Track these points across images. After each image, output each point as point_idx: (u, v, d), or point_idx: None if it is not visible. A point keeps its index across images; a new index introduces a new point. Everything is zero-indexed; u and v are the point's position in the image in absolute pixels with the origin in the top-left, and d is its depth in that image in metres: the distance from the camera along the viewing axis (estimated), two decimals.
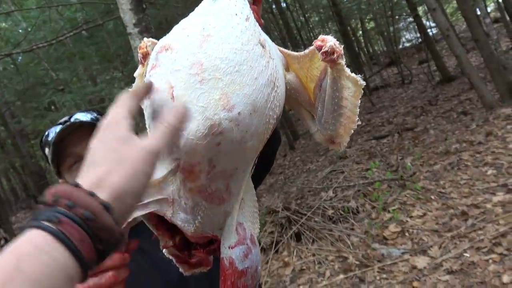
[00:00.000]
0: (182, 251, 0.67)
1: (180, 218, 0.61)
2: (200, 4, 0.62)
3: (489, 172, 4.13)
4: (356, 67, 12.89)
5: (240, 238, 0.62)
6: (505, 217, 3.22)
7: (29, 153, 11.35)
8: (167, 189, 0.61)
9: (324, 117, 0.63)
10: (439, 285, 2.79)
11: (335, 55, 0.56)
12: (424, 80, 11.14)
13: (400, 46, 15.42)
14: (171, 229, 0.65)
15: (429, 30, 12.50)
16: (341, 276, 3.31)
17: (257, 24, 0.62)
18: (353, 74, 0.59)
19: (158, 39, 0.65)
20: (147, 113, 0.60)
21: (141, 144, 0.48)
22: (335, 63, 0.57)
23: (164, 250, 0.68)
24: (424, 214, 3.83)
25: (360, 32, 14.56)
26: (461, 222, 3.46)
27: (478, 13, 6.94)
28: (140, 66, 0.68)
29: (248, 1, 0.62)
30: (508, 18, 9.15)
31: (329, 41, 0.57)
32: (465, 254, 2.99)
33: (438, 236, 3.39)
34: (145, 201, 0.61)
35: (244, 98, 0.54)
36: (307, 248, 3.90)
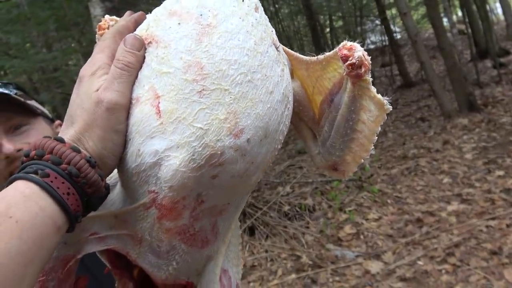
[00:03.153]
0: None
1: (148, 261, 0.46)
2: None
3: (445, 180, 4.18)
4: None
5: None
6: (459, 227, 3.25)
7: None
8: (134, 224, 0.45)
9: (331, 140, 0.49)
10: None
11: (363, 70, 0.43)
12: (385, 83, 11.32)
13: (365, 47, 15.60)
14: (129, 263, 0.49)
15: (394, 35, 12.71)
16: (293, 275, 3.23)
17: (267, 17, 0.46)
18: (379, 95, 0.46)
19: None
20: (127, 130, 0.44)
21: (103, 101, 0.43)
22: (360, 79, 0.44)
23: None
24: (380, 218, 3.82)
25: (328, 29, 14.59)
26: (415, 229, 3.46)
27: (446, 23, 7.05)
28: None
29: None
30: (470, 31, 9.41)
31: (358, 50, 0.43)
32: (419, 262, 2.98)
33: (393, 241, 3.37)
34: (103, 234, 0.46)
35: (256, 120, 0.40)
36: (260, 244, 3.79)
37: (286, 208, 4.26)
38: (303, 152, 7.01)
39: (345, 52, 0.43)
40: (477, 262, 2.75)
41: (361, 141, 0.48)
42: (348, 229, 3.73)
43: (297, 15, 14.32)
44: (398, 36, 15.67)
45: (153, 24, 0.44)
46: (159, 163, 0.39)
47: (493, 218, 3.22)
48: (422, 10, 13.72)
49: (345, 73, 0.44)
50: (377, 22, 13.14)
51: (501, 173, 3.95)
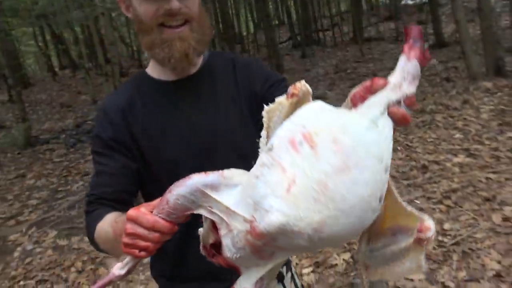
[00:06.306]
0: (211, 248, 0.73)
1: (226, 243, 0.66)
2: (362, 114, 0.58)
3: (457, 135, 4.31)
4: (355, 14, 12.65)
5: None
6: (460, 176, 3.43)
7: (5, 30, 10.81)
8: (233, 220, 0.64)
9: (379, 252, 0.68)
10: None
11: (425, 243, 0.62)
12: None
13: (403, 2, 15.12)
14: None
15: None
16: None
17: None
18: (423, 260, 0.64)
19: None
20: (256, 171, 0.61)
21: None
22: (421, 245, 0.63)
23: (201, 236, 0.74)
24: None
25: None
26: (419, 174, 3.66)
27: None
28: (284, 97, 0.64)
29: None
30: None
31: (431, 231, 0.61)
32: (416, 201, 3.20)
33: (395, 182, 3.59)
34: (213, 210, 0.66)
35: (336, 231, 0.57)
36: None
37: None
38: (324, 98, 7.14)
39: (422, 236, 0.62)
40: (469, 206, 2.96)
41: (396, 269, 0.67)
42: None
43: None
44: None
45: (320, 132, 0.57)
46: (267, 210, 0.57)
47: (494, 172, 3.39)
48: None
49: (414, 239, 0.63)
50: None
51: None
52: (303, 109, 0.61)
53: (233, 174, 0.67)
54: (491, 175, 3.35)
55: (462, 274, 2.30)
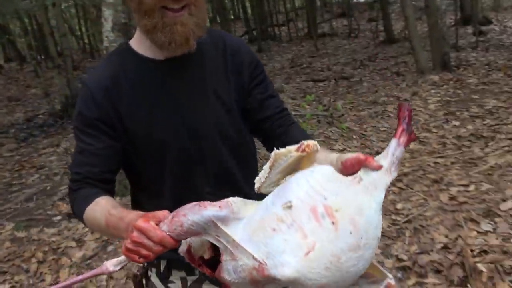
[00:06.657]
0: (198, 260, 0.80)
1: (227, 267, 0.73)
2: (368, 192, 0.68)
3: None
4: (309, 10, 12.93)
5: None
6: (411, 162, 3.67)
7: None
8: (240, 253, 0.70)
9: None
10: None
11: None
12: (369, 37, 11.53)
13: (355, 0, 15.63)
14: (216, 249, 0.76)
15: None
16: None
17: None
18: None
19: None
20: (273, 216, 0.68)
21: None
22: None
23: (183, 246, 0.80)
24: (344, 149, 4.20)
25: None
26: None
27: None
28: (295, 148, 0.70)
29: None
30: None
31: None
32: None
33: None
34: (220, 239, 0.72)
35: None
36: None
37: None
38: (281, 91, 7.30)
39: None
40: (420, 187, 3.19)
41: None
42: None
43: None
44: None
45: (340, 209, 0.65)
46: (283, 264, 0.65)
47: (441, 157, 3.65)
48: None
49: None
50: None
51: (457, 123, 4.37)
52: (318, 173, 0.70)
53: (239, 207, 0.73)
54: (439, 160, 3.60)
55: (414, 247, 2.49)
